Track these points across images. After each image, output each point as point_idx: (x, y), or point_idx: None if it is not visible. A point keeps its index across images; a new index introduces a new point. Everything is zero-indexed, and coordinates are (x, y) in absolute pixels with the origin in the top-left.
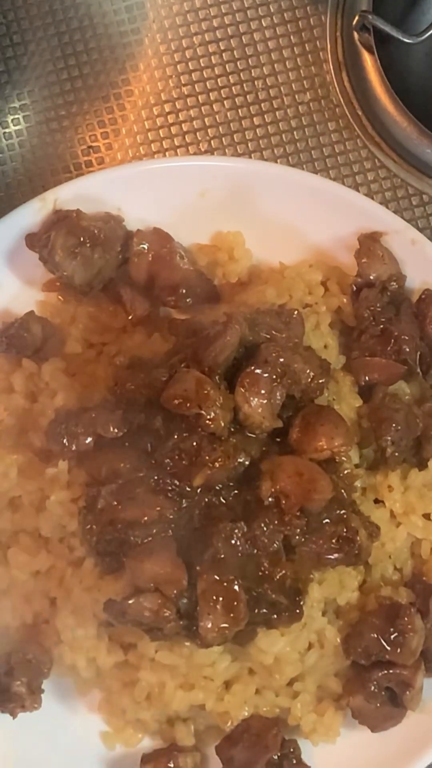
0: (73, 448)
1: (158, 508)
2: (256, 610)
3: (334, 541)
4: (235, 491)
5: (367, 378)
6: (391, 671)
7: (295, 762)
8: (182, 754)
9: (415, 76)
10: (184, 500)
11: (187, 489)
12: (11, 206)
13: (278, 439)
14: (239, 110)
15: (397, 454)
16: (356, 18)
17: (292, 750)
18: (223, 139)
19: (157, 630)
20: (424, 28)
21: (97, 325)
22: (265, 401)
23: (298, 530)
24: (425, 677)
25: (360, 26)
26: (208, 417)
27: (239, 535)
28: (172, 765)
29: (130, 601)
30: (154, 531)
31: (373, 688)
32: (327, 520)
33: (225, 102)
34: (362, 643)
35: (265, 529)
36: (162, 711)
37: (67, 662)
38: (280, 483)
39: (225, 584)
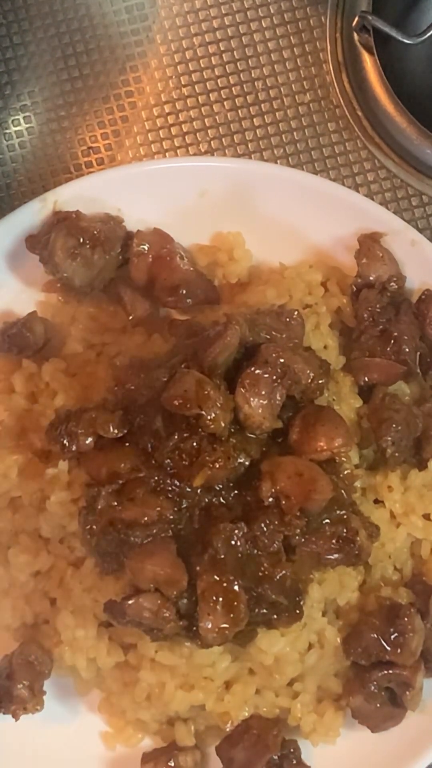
0: (73, 448)
1: (158, 509)
2: (256, 611)
3: (334, 541)
4: (235, 491)
5: (366, 378)
6: (391, 671)
7: (295, 762)
8: (183, 752)
9: (414, 76)
10: (184, 501)
11: (187, 489)
12: (11, 207)
13: (278, 440)
14: (239, 110)
15: (397, 454)
16: (356, 19)
17: (292, 750)
18: (223, 139)
19: (157, 630)
20: (423, 29)
21: (98, 326)
22: (265, 402)
23: (298, 530)
24: (425, 677)
25: (360, 27)
26: (209, 417)
27: (239, 535)
28: (172, 764)
29: (130, 602)
30: (154, 531)
31: (373, 688)
32: (327, 521)
33: (225, 102)
34: (362, 644)
35: (265, 529)
36: (162, 711)
37: (67, 663)
38: (280, 483)
39: (225, 584)
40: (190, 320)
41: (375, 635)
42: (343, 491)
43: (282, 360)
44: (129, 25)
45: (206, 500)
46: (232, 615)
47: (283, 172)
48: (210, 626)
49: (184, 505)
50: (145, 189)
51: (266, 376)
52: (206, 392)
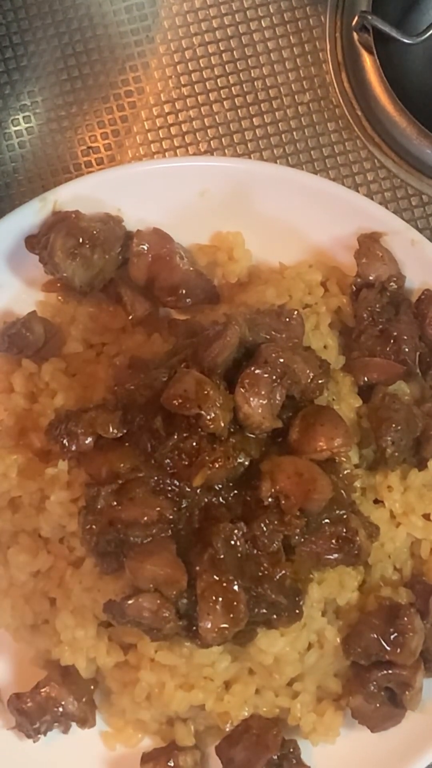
0: (73, 448)
1: (158, 509)
2: (256, 610)
3: (333, 541)
4: (235, 491)
5: (366, 378)
6: (390, 671)
7: (295, 762)
8: (182, 752)
9: (414, 76)
10: (183, 500)
11: (187, 489)
12: (11, 206)
13: (278, 440)
14: (239, 110)
15: (396, 454)
16: (356, 18)
17: (291, 750)
18: (223, 139)
19: (156, 630)
20: (423, 29)
21: (97, 326)
22: (265, 401)
23: (298, 530)
24: (425, 677)
25: (359, 27)
26: (208, 417)
27: (239, 535)
28: (172, 764)
29: (130, 602)
30: (154, 531)
31: (372, 688)
32: (327, 521)
33: (225, 102)
34: (362, 643)
35: (264, 529)
36: (162, 711)
37: (67, 663)
38: (280, 483)
39: (224, 584)
40: (190, 320)
41: (375, 635)
42: (342, 491)
43: (282, 360)
44: (129, 25)
45: (206, 500)
46: (231, 615)
47: (283, 172)
48: (210, 626)
49: (184, 505)
50: (145, 189)
51: (266, 375)
52: (206, 392)
